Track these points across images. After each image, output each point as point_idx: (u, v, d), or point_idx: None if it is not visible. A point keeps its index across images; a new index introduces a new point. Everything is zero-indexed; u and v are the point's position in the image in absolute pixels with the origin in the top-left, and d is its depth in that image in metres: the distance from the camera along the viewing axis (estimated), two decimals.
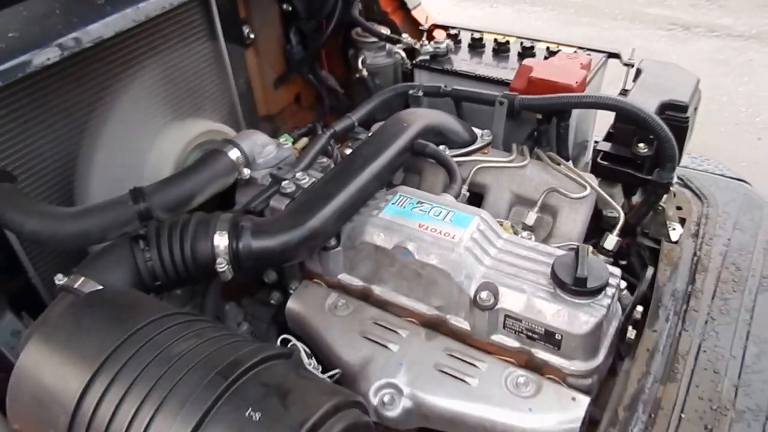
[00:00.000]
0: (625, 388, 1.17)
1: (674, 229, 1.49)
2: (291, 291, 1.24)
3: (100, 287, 0.99)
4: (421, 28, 1.78)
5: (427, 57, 1.59)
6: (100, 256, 1.06)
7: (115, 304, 0.91)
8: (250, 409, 0.71)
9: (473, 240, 1.10)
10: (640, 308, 1.18)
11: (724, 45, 3.75)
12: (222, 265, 1.05)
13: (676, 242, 1.45)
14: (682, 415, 1.12)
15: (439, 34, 1.71)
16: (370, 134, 1.36)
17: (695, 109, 1.39)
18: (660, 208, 1.46)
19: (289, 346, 0.96)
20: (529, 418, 1.00)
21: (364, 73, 1.74)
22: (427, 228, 1.12)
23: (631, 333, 1.17)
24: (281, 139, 1.38)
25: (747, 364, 1.20)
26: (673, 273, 1.39)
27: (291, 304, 1.20)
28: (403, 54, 1.72)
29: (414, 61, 1.62)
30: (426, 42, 1.63)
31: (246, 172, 1.26)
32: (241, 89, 1.61)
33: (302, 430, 0.70)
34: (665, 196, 1.41)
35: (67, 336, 0.85)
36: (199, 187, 1.19)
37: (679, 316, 1.29)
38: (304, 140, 1.53)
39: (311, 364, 0.94)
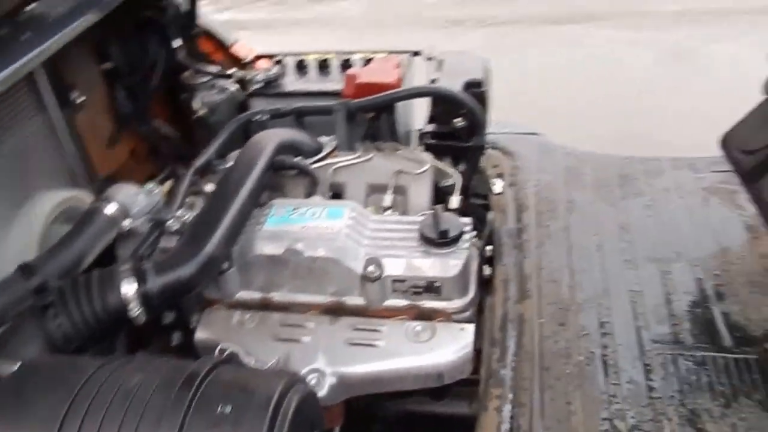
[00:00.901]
0: (494, 314, 1.41)
1: (495, 183, 1.79)
2: (192, 326, 1.30)
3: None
4: (244, 61, 1.91)
5: (261, 84, 1.73)
6: (8, 337, 1.06)
7: (49, 369, 0.93)
8: (219, 406, 0.81)
9: (349, 227, 1.26)
10: (489, 248, 1.43)
11: (492, 32, 4.32)
12: (135, 310, 1.10)
13: (500, 193, 1.74)
14: (541, 320, 1.39)
15: (264, 63, 1.85)
16: (231, 163, 1.47)
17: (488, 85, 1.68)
18: (481, 168, 1.74)
19: (227, 352, 1.05)
20: (433, 355, 1.19)
21: (202, 112, 1.83)
22: (309, 227, 1.26)
23: (487, 270, 1.41)
24: (148, 186, 1.43)
25: (574, 268, 1.51)
26: (504, 217, 1.67)
27: (199, 334, 1.27)
28: (236, 87, 1.83)
29: (249, 91, 1.74)
30: (255, 72, 1.76)
31: (126, 223, 1.30)
32: (77, 153, 1.59)
33: (270, 406, 0.81)
34: (483, 158, 1.69)
35: (12, 412, 0.84)
36: (86, 248, 1.22)
37: (517, 248, 1.57)
38: (168, 183, 1.59)
39: (251, 362, 1.05)
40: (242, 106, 1.85)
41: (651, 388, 1.22)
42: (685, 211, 1.57)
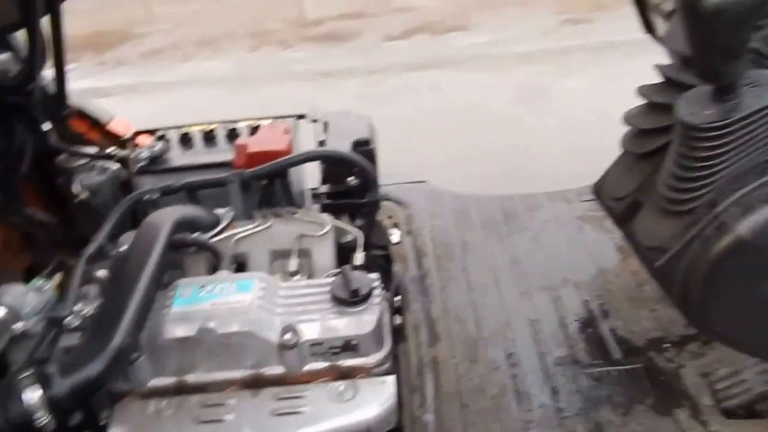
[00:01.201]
0: (409, 361, 1.49)
1: (392, 234, 1.90)
2: (103, 422, 1.25)
3: None
4: (123, 138, 1.88)
5: (146, 162, 1.71)
6: None
7: None
8: None
9: (260, 298, 1.28)
10: (397, 298, 1.51)
11: (363, 81, 4.53)
12: (42, 419, 1.05)
13: (398, 243, 1.84)
14: (455, 360, 1.48)
15: (145, 139, 1.84)
16: (125, 247, 1.44)
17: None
18: (377, 221, 1.84)
19: None
20: (359, 413, 1.22)
21: (83, 195, 1.77)
22: (219, 304, 1.27)
23: (398, 319, 1.49)
24: (37, 283, 1.37)
25: (477, 305, 1.62)
26: (405, 265, 1.77)
27: (114, 430, 1.22)
28: (118, 166, 1.80)
29: (134, 170, 1.72)
30: (138, 149, 1.74)
31: (17, 326, 1.24)
32: None
33: None
34: (378, 212, 1.79)
35: None
36: None
37: (423, 294, 1.66)
38: (58, 276, 1.52)
39: None
40: (127, 186, 1.82)
41: (559, 409, 1.34)
42: (565, 240, 1.75)
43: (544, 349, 1.48)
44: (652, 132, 0.76)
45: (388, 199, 2.03)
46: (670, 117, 0.75)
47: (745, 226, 0.64)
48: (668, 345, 1.37)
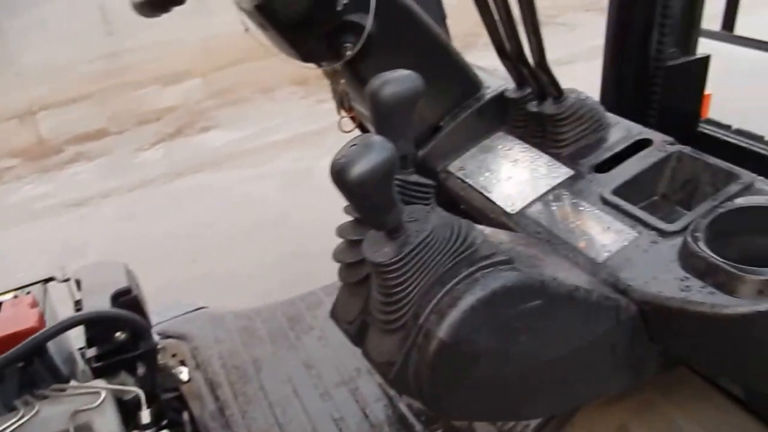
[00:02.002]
0: None
1: (181, 372, 1.88)
2: None
3: None
4: None
5: None
6: None
7: None
8: None
9: None
10: None
11: (121, 201, 4.41)
12: None
13: (188, 380, 1.84)
14: None
15: None
16: None
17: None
18: (161, 365, 1.82)
19: None
20: None
21: None
22: None
23: None
24: None
25: (282, 422, 1.69)
26: (201, 401, 1.78)
27: None
28: None
29: None
30: None
31: None
32: None
33: None
34: (159, 355, 1.78)
35: None
36: None
37: (225, 427, 1.68)
38: None
39: None
40: None
41: None
42: None
43: None
44: (355, 264, 0.94)
45: (168, 337, 2.02)
46: None
47: (443, 330, 0.82)
48: None
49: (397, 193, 0.91)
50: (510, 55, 1.33)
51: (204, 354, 1.94)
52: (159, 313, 2.19)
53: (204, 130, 5.37)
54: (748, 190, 1.08)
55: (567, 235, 1.15)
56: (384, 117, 0.93)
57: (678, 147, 1.22)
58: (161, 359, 1.82)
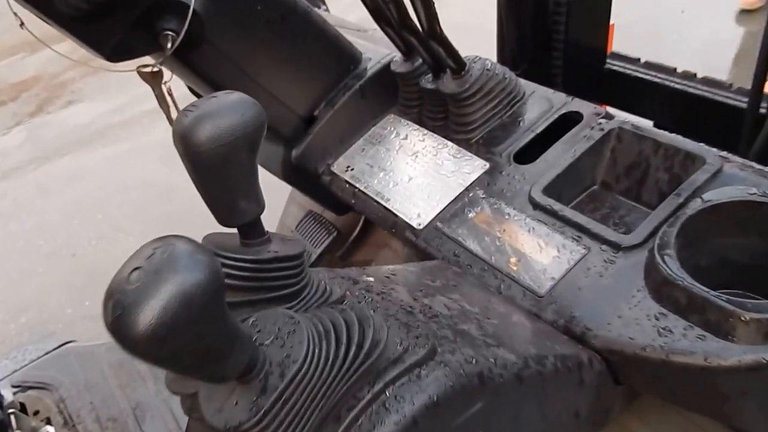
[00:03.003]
0: None
1: (47, 431, 1.48)
2: None
3: None
4: None
5: None
6: None
7: None
8: None
9: None
10: None
11: None
12: None
13: None
14: None
15: None
16: None
17: None
18: (20, 428, 1.41)
19: None
20: None
21: None
22: None
23: None
24: None
25: None
26: None
27: None
28: None
29: None
30: None
31: None
32: None
33: None
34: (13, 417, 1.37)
35: None
36: None
37: None
38: None
39: None
40: None
41: None
42: None
43: None
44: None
45: (27, 389, 1.59)
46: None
47: None
48: None
49: (243, 289, 0.56)
50: (391, 22, 0.96)
51: (73, 405, 1.54)
52: (13, 358, 1.74)
53: (68, 104, 4.66)
54: (716, 177, 0.80)
55: (493, 257, 0.84)
56: (205, 175, 0.56)
57: (615, 122, 0.92)
58: (18, 422, 1.41)
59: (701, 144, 0.84)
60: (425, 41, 0.93)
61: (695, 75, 1.68)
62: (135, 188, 3.48)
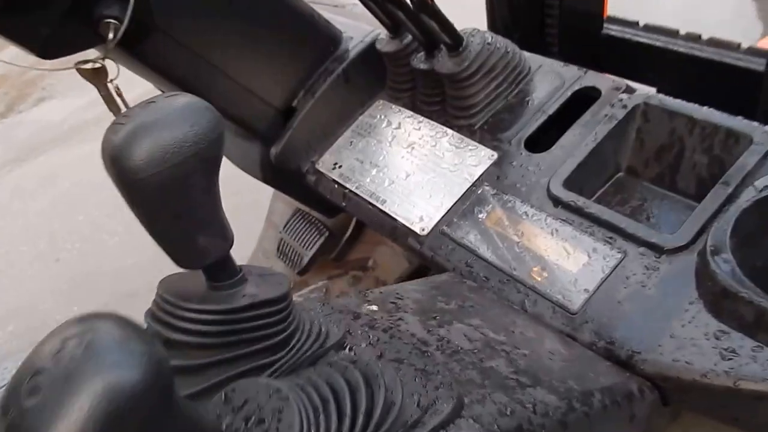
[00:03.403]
0: None
1: None
2: None
3: None
4: None
5: None
6: None
7: None
8: None
9: None
10: None
11: None
12: None
13: None
14: None
15: None
16: None
17: None
18: None
19: None
20: None
21: None
22: None
23: None
24: None
25: None
26: None
27: None
28: None
29: None
30: None
31: None
32: None
33: None
34: None
35: None
36: None
37: None
38: None
39: None
40: None
41: None
42: None
43: None
44: None
45: None
46: None
47: None
48: None
49: (215, 346, 0.43)
50: None
51: None
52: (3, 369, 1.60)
53: (39, 102, 4.44)
54: (767, 159, 0.67)
55: (513, 266, 0.71)
56: (149, 207, 0.41)
57: (640, 97, 0.78)
58: None
59: (744, 119, 0.71)
60: (414, 15, 0.78)
61: (700, 36, 1.53)
62: (113, 186, 3.30)
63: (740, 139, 0.69)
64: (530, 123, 0.83)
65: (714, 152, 0.72)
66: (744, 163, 0.67)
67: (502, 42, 0.85)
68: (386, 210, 0.84)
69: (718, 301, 0.58)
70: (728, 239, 0.60)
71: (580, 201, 0.71)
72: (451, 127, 0.87)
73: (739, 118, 0.71)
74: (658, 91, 1.57)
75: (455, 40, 0.81)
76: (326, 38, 0.94)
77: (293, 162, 0.95)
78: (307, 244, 1.26)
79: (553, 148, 0.79)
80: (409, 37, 0.89)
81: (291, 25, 0.88)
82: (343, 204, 0.90)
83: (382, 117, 0.94)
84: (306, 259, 1.23)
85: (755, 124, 0.70)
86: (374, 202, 0.85)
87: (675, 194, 0.76)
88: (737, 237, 0.61)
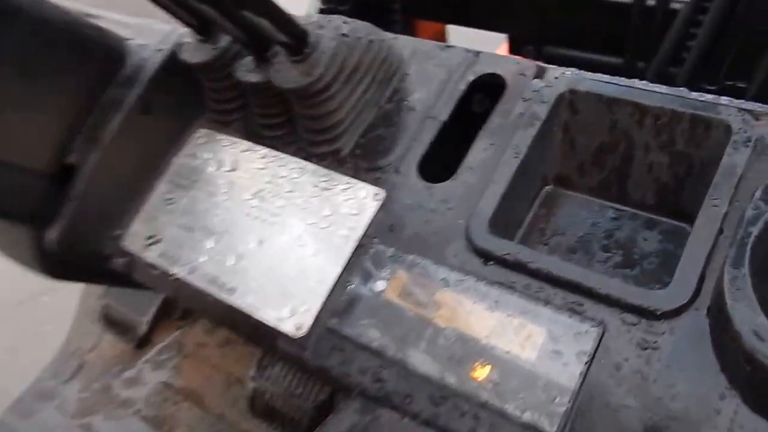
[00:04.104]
0: None
1: None
2: None
3: None
4: None
5: None
6: None
7: None
8: None
9: None
10: None
11: None
12: None
13: None
14: None
15: None
16: None
17: None
18: None
19: None
20: None
21: None
22: None
23: None
24: None
25: None
26: None
27: None
28: None
29: None
30: None
31: None
32: None
33: None
34: None
35: None
36: None
37: None
38: None
39: None
40: None
41: None
42: None
43: None
44: None
45: None
46: None
47: None
48: None
49: None
50: None
51: None
52: None
53: None
54: (758, 152, 0.47)
55: (444, 369, 0.46)
56: None
57: (561, 83, 0.55)
58: None
59: (712, 97, 0.50)
60: (230, 10, 0.48)
61: None
62: None
63: (712, 128, 0.49)
64: (419, 137, 0.57)
65: (676, 148, 0.51)
66: (732, 164, 0.46)
67: (362, 27, 0.57)
68: (238, 304, 0.55)
69: (761, 387, 0.38)
70: (749, 283, 0.39)
71: (519, 252, 0.48)
72: (309, 158, 0.59)
73: (704, 96, 0.50)
74: (512, 39, 1.38)
75: (297, 38, 0.52)
76: (102, 53, 0.61)
77: (85, 245, 0.62)
78: (140, 309, 0.90)
79: (460, 171, 0.54)
80: (227, 39, 0.59)
81: (39, 48, 0.54)
82: (177, 297, 0.59)
83: (208, 155, 0.64)
84: (143, 328, 0.88)
85: (724, 101, 0.50)
86: (218, 293, 0.56)
87: (630, 208, 0.55)
88: (754, 276, 0.40)
